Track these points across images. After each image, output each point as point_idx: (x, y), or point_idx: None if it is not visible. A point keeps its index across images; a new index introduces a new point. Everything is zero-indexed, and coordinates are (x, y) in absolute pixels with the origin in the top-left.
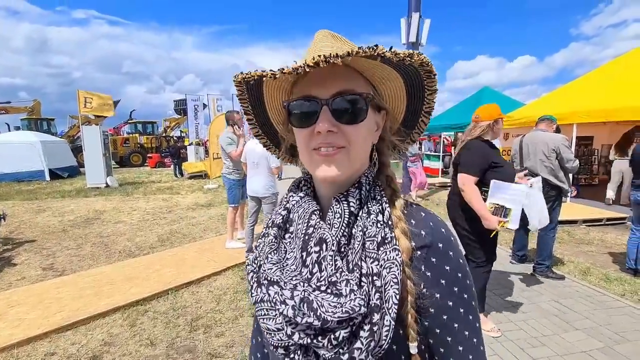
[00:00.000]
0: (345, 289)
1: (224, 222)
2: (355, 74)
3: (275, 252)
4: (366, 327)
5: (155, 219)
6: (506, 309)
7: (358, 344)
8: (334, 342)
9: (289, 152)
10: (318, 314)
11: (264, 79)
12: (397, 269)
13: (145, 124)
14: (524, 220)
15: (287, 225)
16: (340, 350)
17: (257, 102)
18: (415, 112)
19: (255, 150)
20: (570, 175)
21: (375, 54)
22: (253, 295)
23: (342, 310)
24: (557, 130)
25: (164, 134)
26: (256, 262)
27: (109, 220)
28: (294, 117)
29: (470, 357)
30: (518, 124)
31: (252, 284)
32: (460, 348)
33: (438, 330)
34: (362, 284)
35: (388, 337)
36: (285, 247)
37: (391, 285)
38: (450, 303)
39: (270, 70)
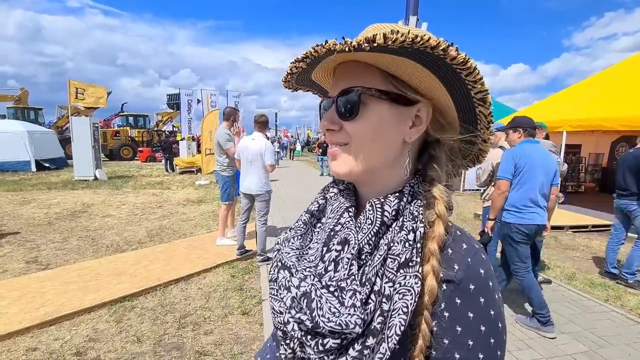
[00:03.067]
0: (349, 301)
1: (215, 219)
2: (371, 69)
3: (299, 237)
4: (357, 347)
5: (145, 214)
6: None
7: None
8: (321, 348)
9: None
10: (313, 315)
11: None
12: (411, 298)
13: (137, 117)
14: None
15: (321, 215)
16: (325, 358)
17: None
18: (468, 103)
19: (250, 147)
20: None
21: (369, 43)
22: (270, 272)
23: (336, 322)
24: (547, 137)
25: (155, 128)
26: (284, 244)
27: (96, 214)
28: (321, 116)
29: None
30: None
31: (273, 263)
32: None
33: None
34: (370, 301)
35: None
36: (312, 236)
37: (399, 314)
38: (457, 356)
39: (294, 63)
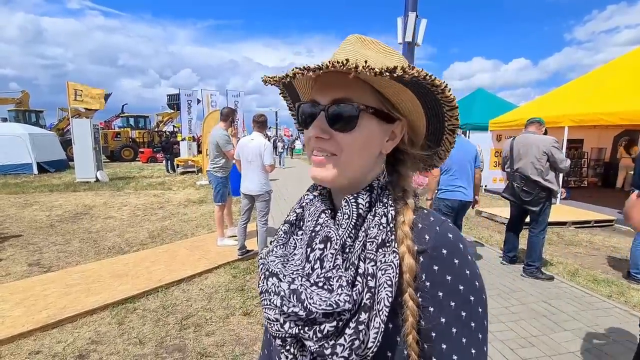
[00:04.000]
0: (336, 284)
1: (212, 219)
2: (361, 83)
3: (282, 246)
4: (352, 325)
5: (146, 215)
6: (496, 309)
7: (341, 340)
8: (319, 335)
9: None
10: (305, 304)
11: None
12: (393, 271)
13: (138, 118)
14: (515, 222)
15: (301, 223)
16: (325, 344)
17: (297, 98)
18: (438, 128)
19: (249, 147)
20: (560, 178)
21: (353, 69)
22: (260, 286)
23: (327, 303)
24: (545, 133)
25: (156, 129)
26: (267, 255)
27: (98, 216)
28: (300, 119)
29: None
30: (511, 126)
31: (260, 275)
32: None
33: (429, 345)
34: (356, 283)
35: (376, 340)
36: (295, 243)
37: (384, 287)
38: (443, 320)
39: (287, 73)
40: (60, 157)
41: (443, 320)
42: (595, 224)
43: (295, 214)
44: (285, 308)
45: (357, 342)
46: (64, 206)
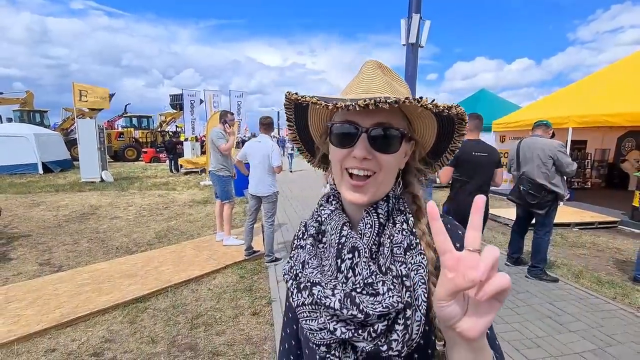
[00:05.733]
0: (383, 288)
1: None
2: (397, 110)
3: (314, 257)
4: (401, 322)
5: (152, 215)
6: (501, 310)
7: (395, 336)
8: (373, 335)
9: (322, 160)
10: (360, 308)
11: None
12: (424, 271)
13: (141, 118)
14: (520, 224)
15: (320, 236)
16: (379, 342)
17: (301, 112)
18: (442, 148)
19: (256, 149)
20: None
21: (419, 105)
22: (294, 299)
23: (382, 305)
24: (553, 136)
25: (159, 129)
26: (292, 270)
27: (105, 216)
28: (335, 137)
29: None
30: (514, 127)
31: (292, 289)
32: None
33: None
34: (394, 284)
35: (419, 331)
36: (320, 256)
37: (419, 285)
38: None
39: (324, 100)
40: (64, 157)
41: None
42: (599, 226)
43: (314, 228)
44: (345, 311)
45: (407, 336)
46: (70, 206)
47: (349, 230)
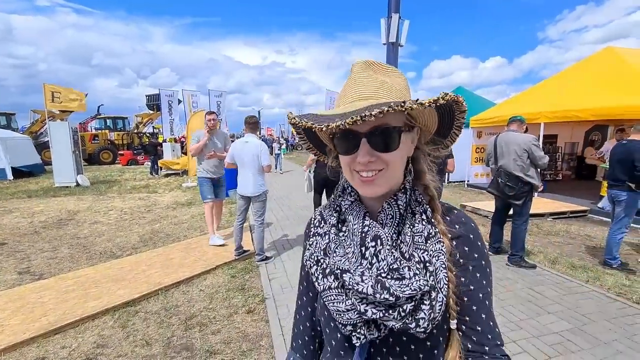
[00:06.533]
0: (409, 273)
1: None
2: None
3: (339, 246)
4: (427, 302)
5: (134, 219)
6: None
7: (422, 315)
8: (402, 314)
9: (336, 160)
10: (391, 292)
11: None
12: (444, 257)
13: (116, 120)
14: (499, 215)
15: (340, 225)
16: (407, 320)
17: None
18: (448, 126)
19: (244, 150)
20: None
21: (404, 110)
22: (319, 284)
23: (410, 288)
24: (526, 131)
25: (135, 130)
26: (313, 257)
27: (84, 221)
28: (339, 147)
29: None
30: (490, 123)
31: (317, 275)
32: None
33: (462, 304)
34: (418, 269)
35: (441, 310)
36: (342, 243)
37: (441, 270)
38: (472, 287)
39: (317, 123)
40: (35, 162)
41: (472, 288)
42: (570, 215)
43: (335, 218)
44: (378, 296)
45: (432, 315)
46: (46, 212)
47: (371, 220)
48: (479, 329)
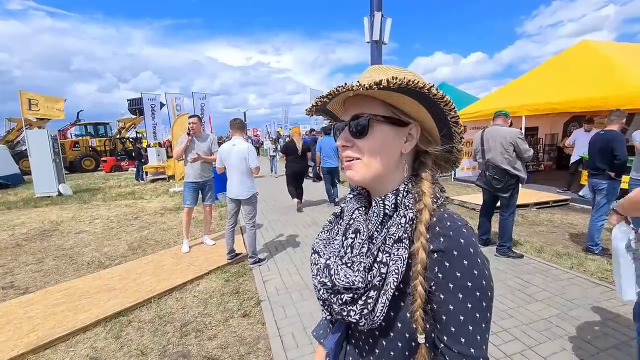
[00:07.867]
0: (356, 268)
1: (197, 225)
2: (371, 99)
3: (327, 232)
4: (363, 298)
5: (122, 227)
6: None
7: (354, 308)
8: (340, 302)
9: None
10: (332, 278)
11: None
12: (401, 263)
13: (97, 126)
14: (487, 207)
15: (343, 215)
16: (344, 309)
17: (336, 117)
18: (444, 123)
19: (232, 153)
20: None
21: (366, 89)
22: (311, 259)
23: (346, 280)
24: (511, 125)
25: (118, 136)
26: (317, 236)
27: (68, 231)
28: (335, 135)
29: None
30: (474, 117)
31: (312, 252)
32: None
33: (436, 319)
34: (373, 268)
35: (382, 312)
36: (338, 230)
37: (392, 275)
38: (451, 307)
39: (318, 99)
40: (13, 172)
41: (451, 307)
42: (553, 204)
43: (340, 208)
44: (319, 278)
45: (365, 311)
46: (28, 224)
47: (358, 215)
48: (455, 351)
